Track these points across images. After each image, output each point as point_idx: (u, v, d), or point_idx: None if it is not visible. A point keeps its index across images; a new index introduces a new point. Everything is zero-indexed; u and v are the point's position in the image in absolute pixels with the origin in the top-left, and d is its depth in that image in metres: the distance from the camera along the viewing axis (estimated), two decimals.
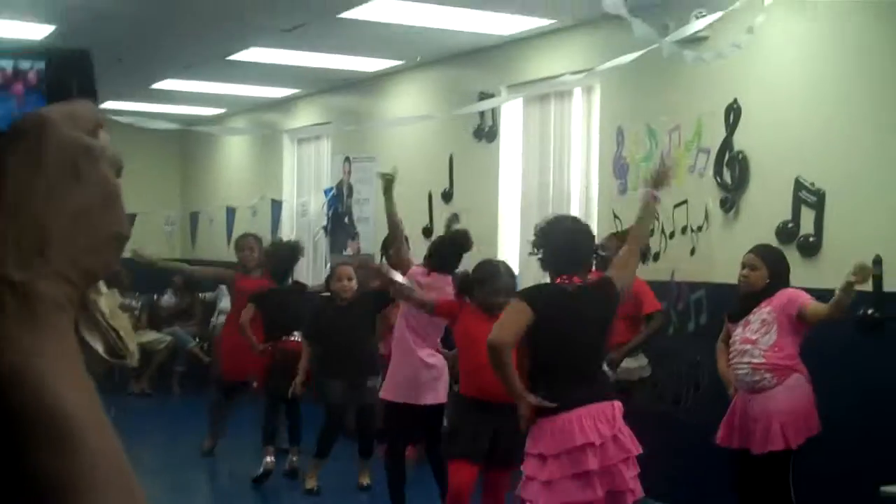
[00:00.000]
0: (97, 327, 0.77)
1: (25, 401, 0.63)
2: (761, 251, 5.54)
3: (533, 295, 4.37)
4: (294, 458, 7.62)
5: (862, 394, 5.64)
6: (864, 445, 5.61)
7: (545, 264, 4.51)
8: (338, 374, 6.94)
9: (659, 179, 4.73)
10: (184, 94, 11.76)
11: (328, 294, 7.26)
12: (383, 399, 6.15)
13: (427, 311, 5.51)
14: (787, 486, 5.32)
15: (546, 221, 4.61)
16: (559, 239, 4.42)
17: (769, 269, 5.43)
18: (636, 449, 4.22)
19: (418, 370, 5.95)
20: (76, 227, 0.67)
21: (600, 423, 4.13)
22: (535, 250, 4.55)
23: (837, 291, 5.04)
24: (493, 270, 5.22)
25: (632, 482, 4.19)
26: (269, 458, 7.49)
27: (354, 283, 7.02)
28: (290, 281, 7.92)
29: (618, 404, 4.28)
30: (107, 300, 0.78)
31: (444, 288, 5.81)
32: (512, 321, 4.24)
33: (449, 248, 6.11)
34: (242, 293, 8.23)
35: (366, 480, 7.29)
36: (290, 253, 7.94)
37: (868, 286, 5.61)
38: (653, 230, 7.02)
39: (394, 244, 6.42)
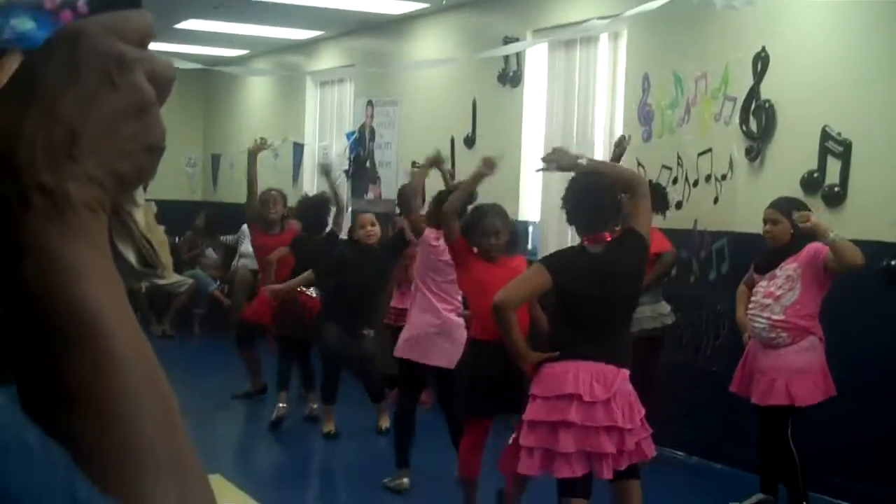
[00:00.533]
0: (131, 237, 0.77)
1: (52, 295, 0.63)
2: (780, 204, 5.49)
3: (554, 262, 4.32)
4: (314, 406, 7.67)
5: (885, 345, 5.61)
6: (886, 396, 5.59)
7: (571, 222, 4.48)
8: (337, 317, 6.91)
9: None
10: (208, 35, 11.71)
11: (352, 239, 7.20)
12: (397, 356, 6.07)
13: (447, 239, 5.38)
14: (787, 439, 5.35)
15: (569, 182, 4.54)
16: (582, 199, 4.34)
17: (791, 221, 5.38)
18: (625, 423, 4.09)
19: (435, 328, 5.86)
20: (108, 132, 0.67)
21: (597, 383, 4.07)
22: (564, 209, 4.49)
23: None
24: (479, 214, 5.11)
25: (610, 447, 4.07)
26: (281, 404, 7.54)
27: (377, 229, 6.97)
28: (325, 232, 7.84)
29: (624, 373, 4.17)
30: (144, 212, 0.78)
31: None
32: (524, 284, 4.24)
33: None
34: (260, 247, 8.24)
35: (385, 423, 7.32)
36: (320, 203, 7.88)
37: (892, 237, 5.58)
38: (676, 179, 7.02)
39: (408, 211, 6.36)
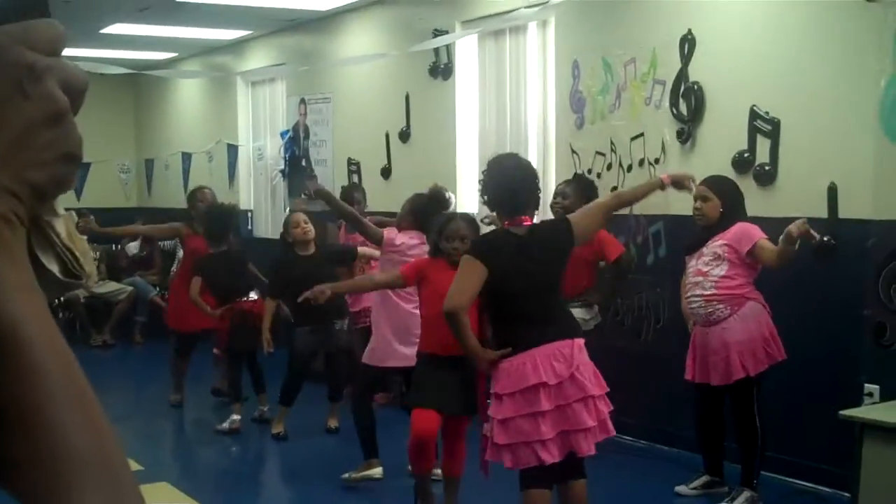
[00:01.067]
0: (53, 248, 0.76)
1: None
2: (711, 182, 5.54)
3: (482, 248, 4.28)
4: (263, 408, 7.62)
5: (817, 318, 5.70)
6: (820, 368, 5.68)
7: (490, 207, 4.47)
8: (304, 322, 6.92)
9: (680, 182, 4.83)
10: (135, 39, 11.56)
11: (288, 244, 7.13)
12: (366, 363, 6.04)
13: (400, 286, 5.41)
14: (753, 414, 5.39)
15: (486, 165, 4.51)
16: (501, 182, 4.31)
17: (721, 199, 5.43)
18: (595, 389, 4.12)
19: (400, 331, 5.85)
20: (21, 143, 0.67)
21: (556, 363, 4.07)
22: (483, 197, 4.49)
23: (780, 241, 5.07)
24: (447, 218, 5.17)
25: (592, 420, 4.10)
26: (236, 417, 7.48)
27: (311, 227, 6.92)
28: (226, 244, 7.75)
29: (579, 341, 4.19)
30: (64, 222, 0.77)
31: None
32: (466, 283, 4.17)
33: (431, 208, 5.97)
34: (191, 252, 8.17)
35: (334, 423, 7.31)
36: (226, 215, 7.82)
37: (823, 213, 5.66)
38: (610, 165, 7.06)
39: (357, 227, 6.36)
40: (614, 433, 4.28)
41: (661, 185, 4.81)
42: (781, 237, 5.09)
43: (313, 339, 6.96)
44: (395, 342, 5.81)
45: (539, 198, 4.52)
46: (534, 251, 4.18)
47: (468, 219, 5.24)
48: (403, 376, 5.89)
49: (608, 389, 4.22)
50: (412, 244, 5.82)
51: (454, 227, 5.06)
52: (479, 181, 4.52)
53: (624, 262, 6.38)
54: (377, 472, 6.01)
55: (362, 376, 6.12)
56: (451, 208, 6.23)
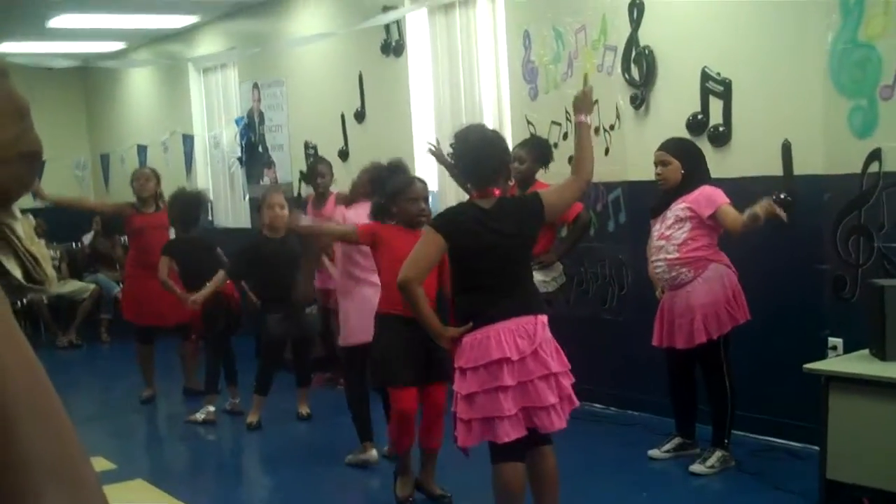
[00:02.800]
0: (14, 252, 0.75)
1: None
2: (669, 145, 5.55)
3: (444, 221, 4.22)
4: (235, 401, 7.60)
5: (779, 275, 5.75)
6: (785, 325, 5.73)
7: (461, 179, 4.43)
8: (274, 308, 6.91)
9: (581, 103, 4.55)
10: (82, 31, 11.40)
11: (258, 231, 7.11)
12: (344, 346, 6.03)
13: (353, 241, 5.44)
14: (722, 374, 5.43)
15: (455, 135, 4.43)
16: (470, 153, 4.26)
17: (681, 161, 5.45)
18: (558, 366, 4.10)
19: (369, 307, 5.84)
20: None
21: (520, 339, 4.05)
22: (455, 169, 4.47)
23: (745, 218, 5.06)
24: (406, 180, 5.18)
25: (554, 397, 4.08)
26: (211, 408, 7.46)
27: (286, 212, 6.86)
28: (198, 229, 7.72)
29: (542, 318, 4.15)
30: (23, 225, 0.76)
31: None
32: (421, 255, 4.14)
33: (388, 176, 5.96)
34: (135, 231, 8.14)
35: (305, 410, 7.31)
36: (195, 201, 7.76)
37: (778, 170, 5.70)
38: (566, 135, 7.06)
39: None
40: (578, 404, 4.26)
41: (580, 123, 4.51)
42: (746, 214, 5.06)
43: (284, 326, 6.94)
44: (362, 319, 5.81)
45: (510, 170, 4.49)
46: (499, 225, 4.13)
47: (425, 182, 5.26)
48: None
49: (570, 366, 4.20)
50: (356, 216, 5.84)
51: (418, 188, 5.08)
52: (449, 154, 4.47)
53: (582, 220, 6.31)
54: (373, 455, 5.95)
55: (346, 361, 6.09)
56: None
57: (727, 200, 5.29)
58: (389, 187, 5.20)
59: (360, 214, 5.87)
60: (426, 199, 5.08)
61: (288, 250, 6.81)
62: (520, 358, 4.03)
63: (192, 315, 7.47)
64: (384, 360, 5.06)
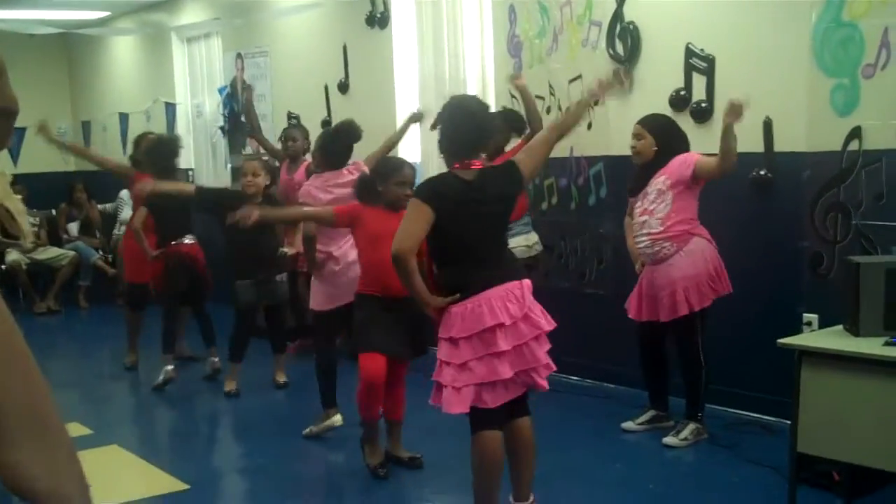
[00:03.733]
0: None
1: None
2: (645, 120, 5.59)
3: (429, 191, 4.20)
4: (215, 360, 7.61)
5: (757, 251, 5.79)
6: (758, 301, 5.78)
7: (442, 148, 4.38)
8: (246, 273, 6.93)
9: (608, 85, 4.68)
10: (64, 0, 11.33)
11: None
12: (315, 310, 6.05)
13: (329, 224, 5.44)
14: (697, 348, 5.47)
15: (443, 105, 4.43)
16: (455, 122, 4.25)
17: (654, 136, 5.48)
18: (548, 325, 4.19)
19: (340, 271, 5.89)
20: None
21: (510, 303, 4.09)
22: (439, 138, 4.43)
23: (720, 141, 5.14)
24: (396, 164, 5.23)
25: (544, 357, 4.18)
26: (169, 367, 7.48)
27: (261, 180, 6.85)
28: (178, 176, 7.71)
29: (527, 282, 4.22)
30: None
31: (342, 187, 5.83)
32: (413, 226, 4.12)
33: (338, 141, 6.03)
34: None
35: (282, 378, 7.33)
36: (168, 147, 7.67)
37: (759, 147, 5.73)
38: (549, 109, 7.07)
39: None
40: (556, 368, 4.31)
41: (594, 97, 4.76)
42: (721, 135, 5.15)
43: (255, 292, 6.96)
44: (335, 285, 5.85)
45: (490, 142, 4.50)
46: (482, 194, 4.15)
47: (413, 168, 5.29)
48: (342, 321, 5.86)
49: (556, 325, 4.25)
50: (324, 196, 5.85)
51: (408, 172, 5.13)
52: (434, 124, 4.45)
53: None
54: (337, 419, 6.02)
55: (315, 325, 6.11)
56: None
57: (699, 154, 5.36)
58: (380, 167, 5.27)
59: (323, 179, 5.90)
60: (412, 185, 5.09)
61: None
62: (512, 322, 4.08)
63: (154, 273, 7.48)
64: (362, 329, 5.12)
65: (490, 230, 4.22)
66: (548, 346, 4.23)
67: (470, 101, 4.44)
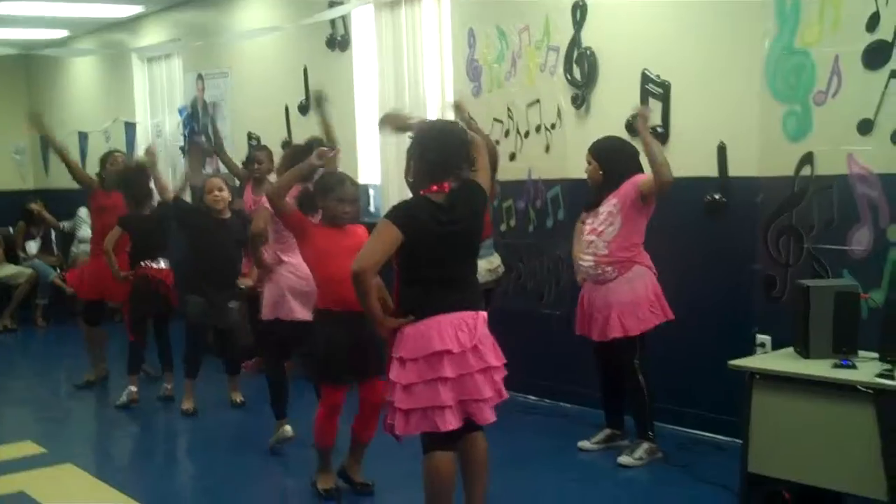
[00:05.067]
0: None
1: None
2: (592, 147, 5.70)
3: (402, 216, 4.15)
4: (168, 386, 7.59)
5: (711, 273, 5.87)
6: (713, 323, 5.86)
7: (418, 171, 4.30)
8: (198, 289, 6.96)
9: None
10: (24, 18, 11.28)
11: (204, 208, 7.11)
12: (263, 320, 6.09)
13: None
14: (634, 370, 5.56)
15: (421, 130, 4.37)
16: (431, 147, 4.20)
17: (598, 161, 5.59)
18: (496, 361, 4.19)
19: (291, 283, 5.96)
20: None
21: (461, 332, 4.09)
22: (408, 163, 4.38)
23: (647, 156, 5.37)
24: (338, 179, 5.14)
25: (490, 391, 4.15)
26: (133, 388, 7.47)
27: (226, 194, 6.91)
28: (152, 202, 7.72)
29: (482, 314, 4.22)
30: None
31: None
32: (378, 246, 4.10)
33: (302, 155, 6.01)
34: (101, 209, 8.09)
35: (238, 398, 7.32)
36: (143, 175, 7.72)
37: (714, 171, 5.82)
38: (508, 132, 7.14)
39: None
40: (507, 396, 4.30)
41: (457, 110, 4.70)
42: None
43: (205, 312, 6.99)
44: (291, 298, 5.89)
45: (465, 166, 4.44)
46: (451, 217, 4.14)
47: (354, 182, 5.23)
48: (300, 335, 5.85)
49: (506, 361, 4.25)
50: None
51: (349, 190, 5.07)
52: (411, 149, 4.35)
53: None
54: (287, 430, 6.06)
55: (268, 335, 6.12)
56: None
57: (643, 175, 5.47)
58: (319, 182, 5.18)
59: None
60: (353, 202, 5.07)
61: (227, 234, 6.85)
62: (460, 351, 4.07)
63: (122, 296, 7.48)
64: (325, 359, 5.05)
65: (460, 250, 4.22)
66: (500, 376, 4.21)
67: (452, 127, 4.42)
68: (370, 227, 4.91)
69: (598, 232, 5.56)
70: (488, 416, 4.18)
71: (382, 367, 4.97)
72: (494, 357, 4.19)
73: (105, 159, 8.48)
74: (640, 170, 5.56)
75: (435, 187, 4.18)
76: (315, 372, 5.23)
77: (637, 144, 5.84)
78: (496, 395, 4.22)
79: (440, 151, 4.20)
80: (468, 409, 4.15)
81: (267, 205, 5.92)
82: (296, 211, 5.14)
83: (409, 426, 4.14)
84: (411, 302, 4.17)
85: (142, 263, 7.39)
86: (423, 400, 4.09)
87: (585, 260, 5.62)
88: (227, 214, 6.92)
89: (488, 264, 6.25)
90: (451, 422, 4.10)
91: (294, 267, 5.93)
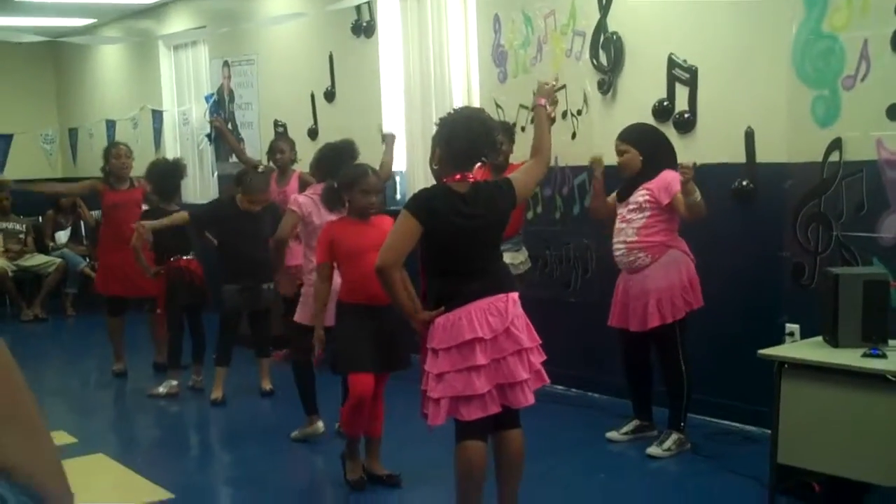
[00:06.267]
0: None
1: None
2: (626, 134, 5.62)
3: (419, 205, 4.14)
4: (198, 378, 7.62)
5: (739, 261, 5.82)
6: (741, 311, 5.81)
7: (442, 159, 4.28)
8: (234, 279, 7.01)
9: (543, 91, 4.57)
10: (51, 6, 11.34)
11: (232, 198, 7.13)
12: (297, 322, 6.08)
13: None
14: (678, 358, 5.50)
15: (445, 116, 4.34)
16: (460, 133, 4.16)
17: (638, 149, 5.51)
18: (530, 341, 4.14)
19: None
20: None
21: (491, 317, 4.06)
22: (434, 150, 4.35)
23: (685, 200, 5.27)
24: (361, 171, 5.13)
25: (526, 373, 4.10)
26: (174, 382, 7.51)
27: (268, 196, 7.05)
28: (179, 199, 7.79)
29: (513, 296, 4.17)
30: None
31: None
32: (398, 240, 4.11)
33: (336, 156, 5.99)
34: (112, 206, 8.12)
35: (268, 385, 7.34)
36: (173, 169, 7.76)
37: (741, 158, 5.76)
38: (534, 118, 7.09)
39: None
40: (549, 381, 4.28)
41: (540, 105, 4.57)
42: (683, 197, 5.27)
43: (240, 298, 7.02)
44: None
45: (486, 154, 4.41)
46: (474, 209, 4.12)
47: (377, 172, 5.23)
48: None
49: (540, 341, 4.23)
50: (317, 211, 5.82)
51: (372, 181, 5.07)
52: (436, 136, 4.28)
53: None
54: (319, 427, 6.10)
55: (297, 336, 6.12)
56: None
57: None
58: (343, 176, 5.18)
59: (316, 191, 5.91)
60: (378, 192, 5.08)
61: (258, 227, 6.90)
62: (492, 336, 4.05)
63: (157, 289, 7.50)
64: (349, 347, 5.05)
65: (481, 243, 4.18)
66: (538, 360, 4.18)
67: (478, 113, 4.39)
68: (395, 216, 4.91)
69: (628, 220, 5.52)
70: (525, 398, 4.13)
71: (400, 362, 5.01)
72: (528, 338, 4.14)
73: (108, 152, 8.47)
74: (675, 163, 5.47)
75: (458, 176, 4.16)
76: (341, 361, 5.23)
77: (663, 130, 5.80)
78: (534, 378, 4.17)
79: (466, 139, 4.17)
80: (507, 392, 4.11)
81: (294, 207, 5.96)
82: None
83: (440, 415, 4.12)
84: (439, 293, 4.16)
85: (171, 258, 7.40)
86: (454, 388, 4.07)
87: (618, 248, 5.56)
88: (258, 208, 6.96)
89: (511, 258, 6.17)
90: (475, 411, 4.07)
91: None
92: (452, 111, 4.42)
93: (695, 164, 5.23)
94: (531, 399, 4.17)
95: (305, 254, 6.07)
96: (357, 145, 6.06)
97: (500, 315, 4.09)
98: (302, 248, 6.23)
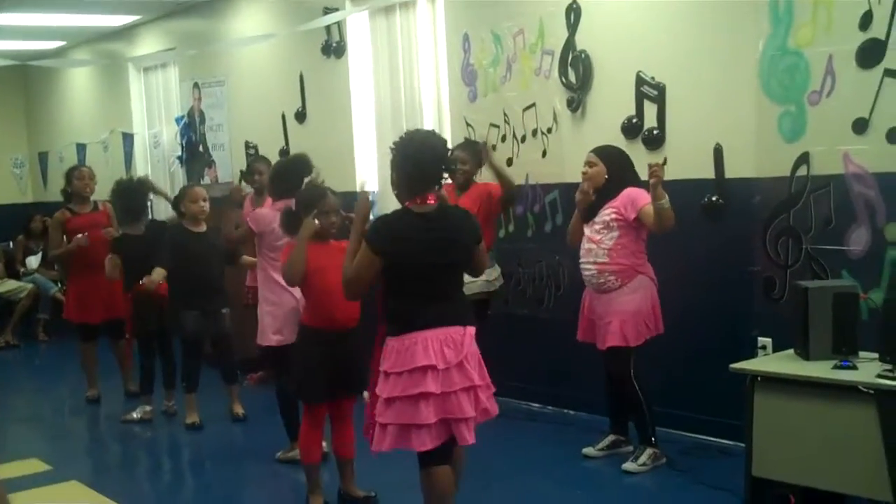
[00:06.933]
0: None
1: None
2: (598, 150, 5.69)
3: (379, 237, 4.12)
4: (170, 403, 7.58)
5: (710, 276, 5.86)
6: (714, 326, 5.85)
7: (399, 184, 4.30)
8: (192, 304, 6.95)
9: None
10: (21, 29, 11.29)
11: (178, 223, 7.10)
12: (263, 346, 6.06)
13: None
14: (629, 378, 5.55)
15: (398, 141, 4.30)
16: (413, 158, 4.16)
17: (606, 165, 5.56)
18: (480, 380, 4.12)
19: (293, 305, 5.87)
20: None
21: (447, 348, 4.04)
22: (392, 174, 4.36)
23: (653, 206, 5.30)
24: (319, 193, 5.10)
25: (472, 411, 4.08)
26: (148, 407, 7.48)
27: (207, 205, 6.95)
28: (147, 219, 7.73)
29: (470, 330, 4.15)
30: None
31: None
32: (363, 272, 4.11)
33: (290, 173, 5.98)
34: (74, 231, 8.07)
35: (240, 410, 7.29)
36: (137, 187, 7.71)
37: (710, 173, 5.81)
38: (504, 137, 7.13)
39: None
40: (496, 413, 4.25)
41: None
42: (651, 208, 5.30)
43: (199, 324, 7.00)
44: (276, 320, 5.86)
45: (442, 175, 4.34)
46: (437, 233, 4.11)
47: (336, 193, 5.17)
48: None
49: (489, 382, 4.21)
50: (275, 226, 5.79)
51: (330, 201, 5.02)
52: (392, 161, 4.29)
53: (512, 192, 6.51)
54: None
55: (270, 360, 6.11)
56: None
57: (648, 200, 5.39)
58: (301, 198, 5.15)
59: (274, 209, 5.91)
60: (338, 212, 5.05)
61: (207, 246, 6.88)
62: (445, 367, 4.02)
63: (125, 314, 7.46)
64: (306, 376, 5.03)
65: (440, 269, 4.14)
66: (485, 395, 4.16)
67: (427, 136, 4.35)
68: None
69: (596, 241, 5.55)
70: (469, 437, 4.09)
71: (362, 385, 4.92)
72: (479, 376, 4.13)
73: (70, 174, 8.42)
74: (637, 181, 5.54)
75: (419, 199, 4.16)
76: (295, 388, 5.23)
77: (631, 151, 5.85)
78: (480, 415, 4.16)
79: (417, 164, 4.16)
80: (452, 427, 4.08)
81: (252, 225, 6.01)
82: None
83: (385, 442, 4.10)
84: (397, 314, 4.14)
85: (139, 283, 7.33)
86: (402, 416, 4.04)
87: (588, 269, 5.60)
88: (204, 228, 6.93)
89: (487, 275, 6.23)
90: (427, 442, 4.04)
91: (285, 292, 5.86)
92: (404, 135, 4.36)
93: (665, 160, 5.25)
94: (472, 439, 4.11)
95: (262, 271, 6.05)
96: (310, 159, 6.03)
97: (456, 348, 4.07)
98: (258, 267, 6.20)
